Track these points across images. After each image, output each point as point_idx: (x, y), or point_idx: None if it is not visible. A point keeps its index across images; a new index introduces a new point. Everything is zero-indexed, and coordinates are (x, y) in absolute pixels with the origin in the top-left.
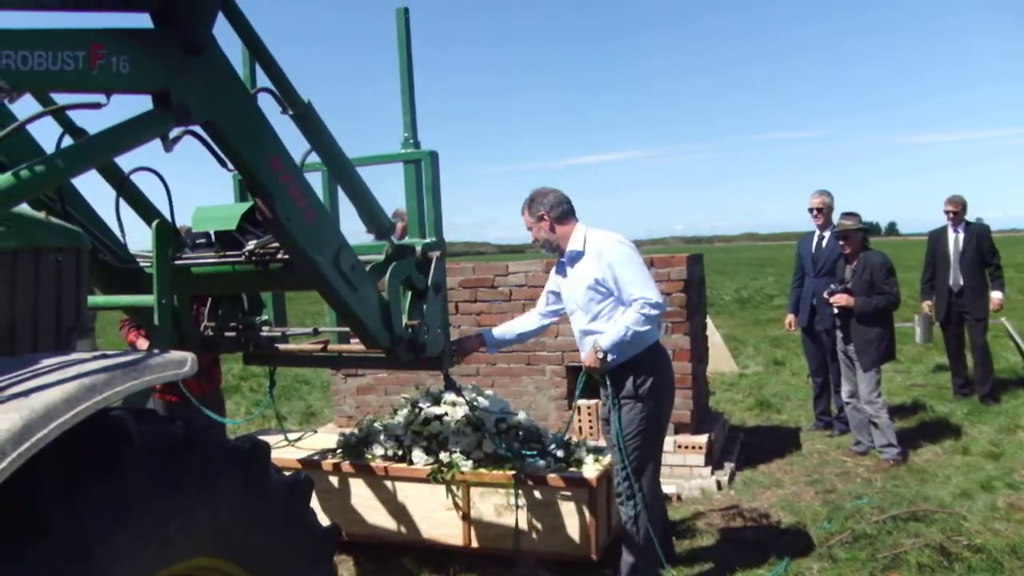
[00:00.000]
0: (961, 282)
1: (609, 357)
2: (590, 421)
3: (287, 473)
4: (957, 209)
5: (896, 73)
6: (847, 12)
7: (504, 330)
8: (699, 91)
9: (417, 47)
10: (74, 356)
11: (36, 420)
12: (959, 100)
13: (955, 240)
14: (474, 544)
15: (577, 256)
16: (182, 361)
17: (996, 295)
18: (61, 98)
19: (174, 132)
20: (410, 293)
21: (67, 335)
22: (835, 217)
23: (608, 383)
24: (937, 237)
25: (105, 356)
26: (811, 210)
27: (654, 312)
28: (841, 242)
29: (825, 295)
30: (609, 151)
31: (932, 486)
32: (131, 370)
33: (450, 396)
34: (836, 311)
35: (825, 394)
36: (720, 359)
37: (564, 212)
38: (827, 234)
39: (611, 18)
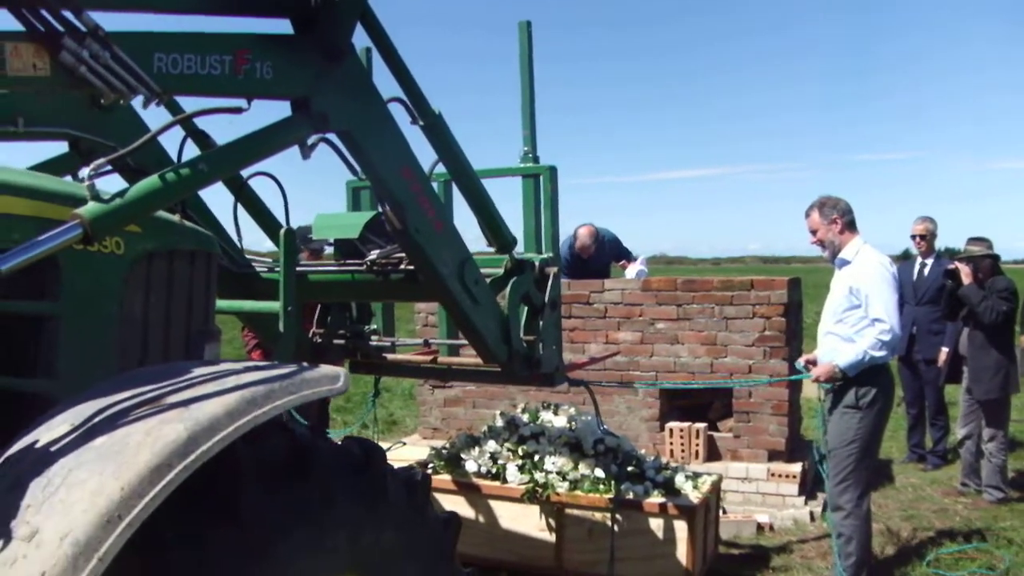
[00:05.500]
0: None
1: (845, 376)
2: (682, 444)
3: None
4: None
5: (992, 91)
6: (945, 28)
7: None
8: (788, 108)
9: (499, 61)
10: (226, 366)
11: (200, 432)
12: None
13: None
14: (566, 567)
15: (844, 264)
16: (336, 376)
17: None
18: (188, 105)
19: (311, 139)
20: (526, 308)
21: (196, 340)
22: (938, 244)
23: (831, 391)
24: None
25: (258, 368)
26: (914, 237)
27: (889, 338)
28: (967, 268)
29: (949, 267)
30: (687, 167)
31: None
32: (289, 384)
33: (547, 414)
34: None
35: (920, 426)
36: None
37: (851, 221)
38: (929, 262)
39: (693, 32)
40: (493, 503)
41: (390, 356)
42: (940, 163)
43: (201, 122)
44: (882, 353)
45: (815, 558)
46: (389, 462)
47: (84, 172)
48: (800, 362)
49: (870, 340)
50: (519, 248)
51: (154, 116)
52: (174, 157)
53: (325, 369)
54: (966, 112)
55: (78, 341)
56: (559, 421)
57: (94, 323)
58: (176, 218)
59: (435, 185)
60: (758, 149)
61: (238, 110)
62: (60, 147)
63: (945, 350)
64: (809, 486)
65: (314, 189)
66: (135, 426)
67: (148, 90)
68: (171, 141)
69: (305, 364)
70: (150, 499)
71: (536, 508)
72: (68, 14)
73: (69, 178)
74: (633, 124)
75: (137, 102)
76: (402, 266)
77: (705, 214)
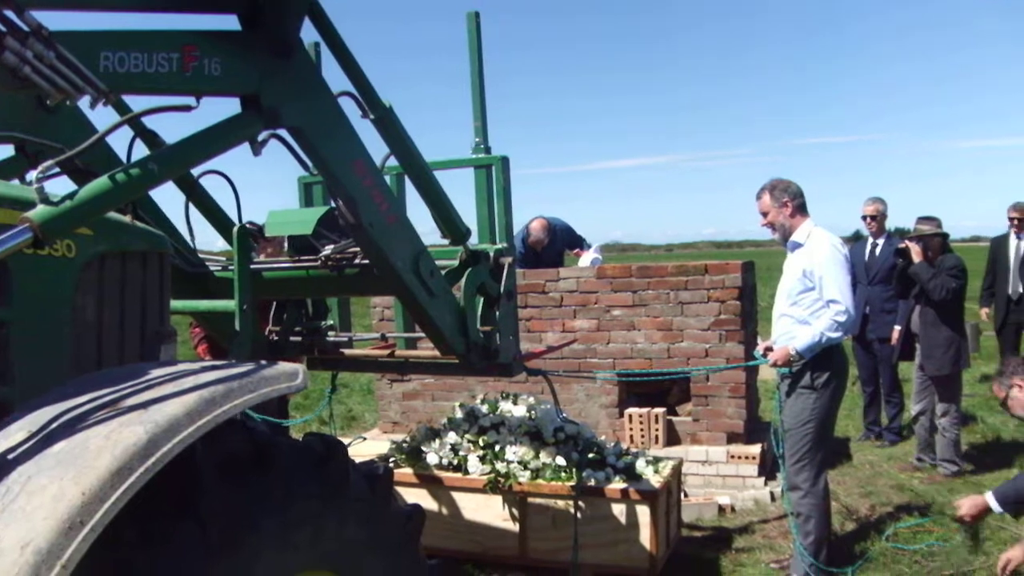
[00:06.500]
0: (1020, 290)
1: (802, 359)
2: (641, 429)
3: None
4: (1021, 216)
5: (937, 76)
6: (890, 11)
7: None
8: (739, 95)
9: (448, 51)
10: (183, 367)
11: (160, 434)
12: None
13: (1016, 247)
14: (531, 555)
15: (796, 247)
16: (294, 373)
17: None
18: (136, 104)
19: (261, 135)
20: (482, 299)
21: (152, 341)
22: (888, 224)
23: (788, 375)
24: (999, 244)
25: (216, 368)
26: (864, 217)
27: (845, 319)
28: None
29: (899, 246)
30: (636, 156)
31: None
32: (247, 382)
33: (506, 405)
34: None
35: (875, 403)
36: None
37: (801, 205)
38: (880, 242)
39: (644, 21)
40: (455, 495)
41: (348, 351)
42: (888, 146)
43: (150, 121)
44: (837, 334)
45: (777, 537)
46: (350, 457)
47: (32, 175)
48: (759, 350)
49: (826, 322)
50: (473, 239)
51: (102, 116)
52: (123, 157)
53: (283, 366)
54: (915, 96)
55: (32, 346)
56: (518, 411)
57: (47, 327)
58: (127, 219)
59: (387, 178)
60: (707, 137)
61: (187, 108)
62: (6, 151)
63: (898, 328)
64: (768, 467)
65: (265, 186)
66: (94, 430)
67: (95, 90)
68: (120, 141)
69: (263, 362)
70: (112, 503)
71: (499, 498)
72: (9, 13)
73: (16, 182)
74: (582, 114)
75: (84, 103)
76: (357, 261)
77: (657, 201)
